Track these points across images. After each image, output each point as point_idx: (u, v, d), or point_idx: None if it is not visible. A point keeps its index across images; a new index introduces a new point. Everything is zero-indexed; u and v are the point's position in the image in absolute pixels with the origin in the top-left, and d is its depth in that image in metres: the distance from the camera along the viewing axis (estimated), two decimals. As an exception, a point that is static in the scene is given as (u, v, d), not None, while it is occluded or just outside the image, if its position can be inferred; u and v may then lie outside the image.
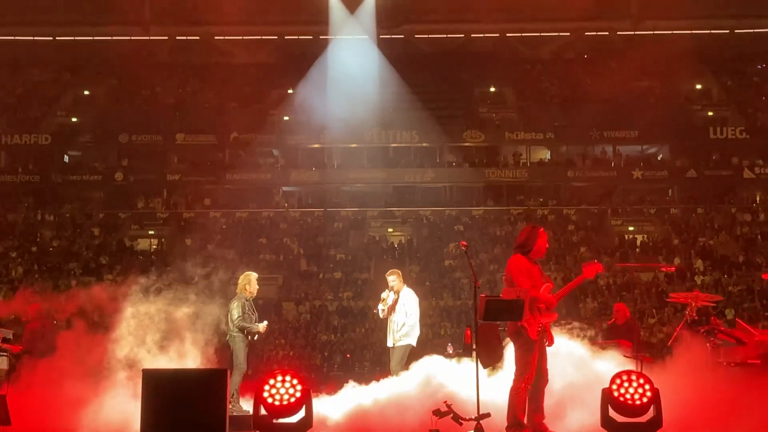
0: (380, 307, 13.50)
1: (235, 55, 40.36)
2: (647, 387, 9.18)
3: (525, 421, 9.40)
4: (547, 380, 9.55)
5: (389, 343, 13.41)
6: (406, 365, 12.91)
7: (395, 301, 13.39)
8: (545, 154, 41.74)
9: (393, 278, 13.49)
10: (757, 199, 38.22)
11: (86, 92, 43.19)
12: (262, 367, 12.65)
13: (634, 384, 9.22)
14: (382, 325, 13.71)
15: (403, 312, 13.27)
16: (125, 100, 41.24)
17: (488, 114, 42.20)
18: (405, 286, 13.52)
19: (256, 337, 12.91)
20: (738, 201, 38.05)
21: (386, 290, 13.49)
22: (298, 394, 9.37)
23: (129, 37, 41.92)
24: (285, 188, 39.95)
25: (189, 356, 12.33)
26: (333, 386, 12.78)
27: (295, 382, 9.43)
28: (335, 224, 36.53)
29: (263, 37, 42.13)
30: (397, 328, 13.27)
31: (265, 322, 13.05)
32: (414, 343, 13.26)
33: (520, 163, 40.62)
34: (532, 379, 9.49)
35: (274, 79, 40.33)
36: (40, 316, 14.70)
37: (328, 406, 11.63)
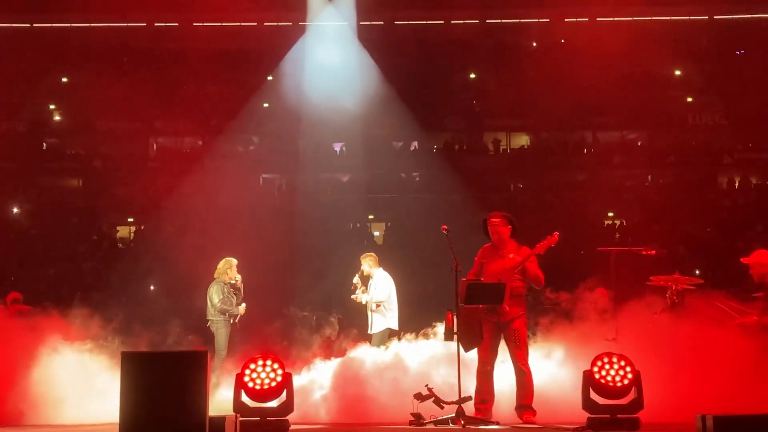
0: (357, 293, 13.58)
1: (214, 42, 40.02)
2: (628, 369, 9.19)
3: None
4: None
5: (369, 330, 13.48)
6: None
7: (368, 283, 13.52)
8: (525, 141, 41.75)
9: (364, 262, 13.61)
10: (736, 184, 38.37)
11: (64, 79, 42.76)
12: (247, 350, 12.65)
13: (615, 366, 9.23)
14: (361, 310, 13.77)
15: (377, 293, 13.35)
16: (103, 87, 40.83)
17: (468, 101, 42.13)
18: (380, 268, 13.58)
19: (236, 320, 12.95)
20: (717, 186, 38.20)
21: (356, 275, 13.62)
22: (279, 378, 9.34)
23: (107, 24, 41.51)
24: (265, 175, 39.74)
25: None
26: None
27: (276, 366, 9.40)
28: (315, 211, 36.32)
29: (242, 24, 41.81)
30: (373, 311, 13.37)
31: (243, 305, 13.11)
32: (394, 326, 13.32)
33: (500, 150, 40.62)
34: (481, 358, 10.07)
35: (253, 65, 40.00)
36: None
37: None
